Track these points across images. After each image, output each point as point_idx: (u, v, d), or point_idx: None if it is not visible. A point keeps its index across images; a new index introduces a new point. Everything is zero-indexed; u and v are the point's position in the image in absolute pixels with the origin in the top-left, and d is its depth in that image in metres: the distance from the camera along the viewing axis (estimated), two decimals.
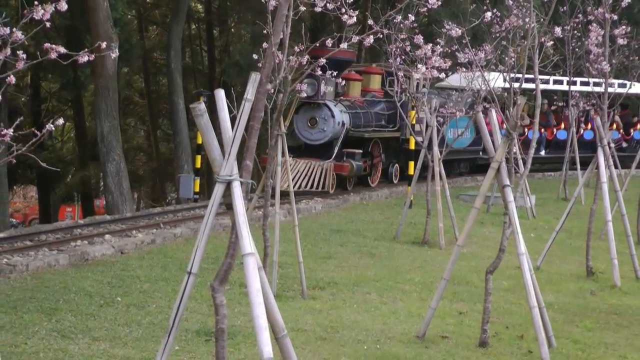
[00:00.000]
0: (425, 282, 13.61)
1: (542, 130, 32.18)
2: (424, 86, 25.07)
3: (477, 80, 16.94)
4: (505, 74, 13.56)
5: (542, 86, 19.43)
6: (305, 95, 23.23)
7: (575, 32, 20.52)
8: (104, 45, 7.77)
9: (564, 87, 30.93)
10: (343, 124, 24.49)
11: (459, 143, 24.60)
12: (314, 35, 34.20)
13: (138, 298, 11.65)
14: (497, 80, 16.24)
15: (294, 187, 12.43)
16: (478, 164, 31.71)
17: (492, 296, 10.25)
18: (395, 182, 27.52)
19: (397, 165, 27.88)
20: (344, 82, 24.93)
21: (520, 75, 13.92)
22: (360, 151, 24.94)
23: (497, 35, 13.96)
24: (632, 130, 36.20)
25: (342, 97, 25.52)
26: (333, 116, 24.16)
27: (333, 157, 23.98)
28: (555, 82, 31.60)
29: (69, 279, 12.66)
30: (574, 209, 15.22)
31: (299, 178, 23.29)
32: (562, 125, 34.10)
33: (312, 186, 23.33)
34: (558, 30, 13.04)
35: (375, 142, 26.41)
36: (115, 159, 26.16)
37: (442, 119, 19.63)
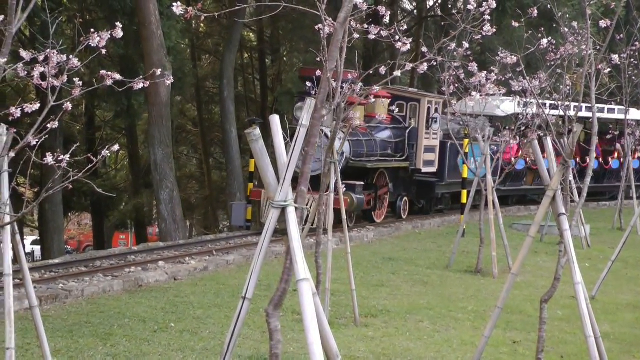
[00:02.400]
0: (478, 311, 13.51)
1: None
2: (435, 111, 24.78)
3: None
4: (560, 102, 13.44)
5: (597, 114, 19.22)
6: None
7: (632, 60, 20.31)
8: (158, 72, 7.83)
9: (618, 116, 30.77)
10: (342, 153, 22.11)
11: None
12: (366, 62, 34.23)
13: (191, 324, 11.70)
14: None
15: None
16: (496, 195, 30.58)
17: (547, 325, 10.10)
18: (404, 217, 25.62)
19: (405, 198, 25.93)
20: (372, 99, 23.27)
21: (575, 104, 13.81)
22: (362, 183, 22.80)
23: (552, 63, 13.85)
24: None
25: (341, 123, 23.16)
26: None
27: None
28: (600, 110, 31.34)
29: (123, 305, 12.75)
30: (629, 239, 15.05)
31: None
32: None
33: (305, 222, 22.23)
34: (615, 57, 12.90)
35: (381, 172, 24.27)
36: (169, 186, 26.28)
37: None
